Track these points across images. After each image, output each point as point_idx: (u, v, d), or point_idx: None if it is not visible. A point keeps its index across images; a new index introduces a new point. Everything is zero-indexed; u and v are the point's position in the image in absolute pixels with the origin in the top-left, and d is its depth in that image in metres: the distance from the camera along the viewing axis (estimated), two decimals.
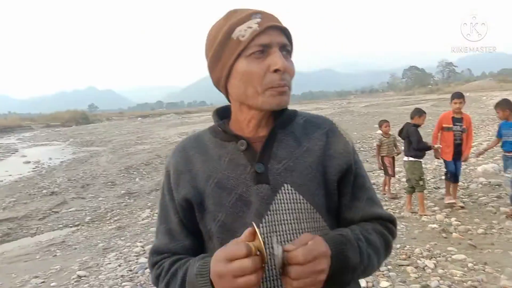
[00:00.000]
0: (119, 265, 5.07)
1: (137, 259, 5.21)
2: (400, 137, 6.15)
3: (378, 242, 1.02)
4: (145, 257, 5.19)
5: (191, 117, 46.47)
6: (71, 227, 7.33)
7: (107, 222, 7.36)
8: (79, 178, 11.61)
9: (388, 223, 1.10)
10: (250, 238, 0.83)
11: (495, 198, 6.06)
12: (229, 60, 0.98)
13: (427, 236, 4.92)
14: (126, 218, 7.46)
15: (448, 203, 5.89)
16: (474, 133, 15.71)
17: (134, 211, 7.89)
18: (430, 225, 5.20)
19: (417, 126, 5.93)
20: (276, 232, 0.97)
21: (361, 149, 13.71)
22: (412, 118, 6.04)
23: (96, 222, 7.49)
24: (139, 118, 54.79)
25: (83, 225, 7.35)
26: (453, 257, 4.22)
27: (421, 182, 5.73)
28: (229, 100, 1.09)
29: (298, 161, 1.03)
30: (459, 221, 5.23)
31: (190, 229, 1.07)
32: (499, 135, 5.55)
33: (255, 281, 0.79)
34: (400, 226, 5.25)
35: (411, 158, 5.83)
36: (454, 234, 4.86)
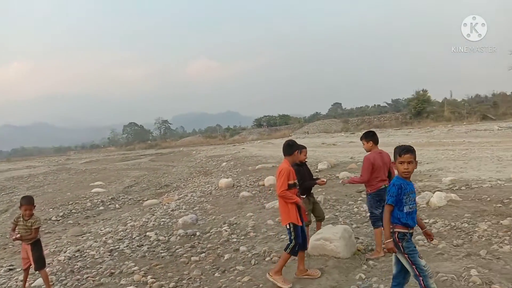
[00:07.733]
0: None
1: None
2: None
3: None
4: None
5: None
6: None
7: None
8: None
9: None
10: None
11: (189, 248, 6.54)
12: None
13: None
14: None
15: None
16: (184, 185, 17.06)
17: None
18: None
19: (301, 163, 5.47)
20: None
21: (73, 211, 12.84)
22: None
23: None
24: None
25: None
26: None
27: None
28: None
29: None
30: (154, 278, 5.34)
31: None
32: None
33: None
34: None
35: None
36: None
